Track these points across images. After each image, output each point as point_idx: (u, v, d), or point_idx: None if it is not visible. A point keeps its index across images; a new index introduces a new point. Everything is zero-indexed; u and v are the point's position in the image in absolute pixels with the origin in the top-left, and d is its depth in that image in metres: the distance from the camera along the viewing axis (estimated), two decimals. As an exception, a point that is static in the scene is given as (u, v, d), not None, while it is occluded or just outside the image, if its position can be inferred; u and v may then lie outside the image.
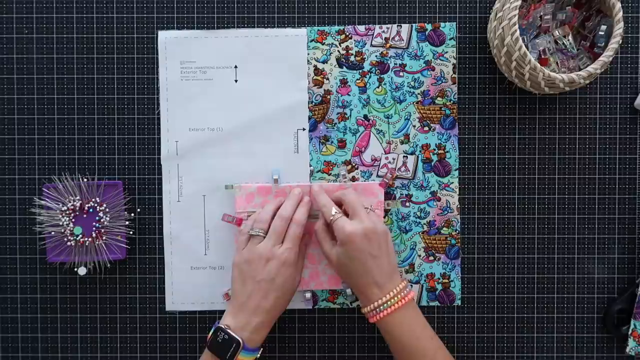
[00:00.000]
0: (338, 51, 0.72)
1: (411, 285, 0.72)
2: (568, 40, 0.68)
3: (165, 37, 0.72)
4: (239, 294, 0.65)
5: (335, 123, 0.72)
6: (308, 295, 0.72)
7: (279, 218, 0.67)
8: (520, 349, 0.73)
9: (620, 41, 0.65)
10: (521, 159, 0.73)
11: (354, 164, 0.72)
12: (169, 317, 0.73)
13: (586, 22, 0.69)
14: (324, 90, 0.72)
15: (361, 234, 0.64)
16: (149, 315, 0.73)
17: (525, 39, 0.68)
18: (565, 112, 0.73)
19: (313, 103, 0.72)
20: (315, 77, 0.72)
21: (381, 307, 0.64)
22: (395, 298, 0.64)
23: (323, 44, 0.72)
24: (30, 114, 0.73)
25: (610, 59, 0.64)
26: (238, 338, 0.63)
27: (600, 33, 0.66)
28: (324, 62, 0.72)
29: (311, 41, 0.72)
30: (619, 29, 0.64)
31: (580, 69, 0.68)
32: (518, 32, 0.63)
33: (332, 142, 0.72)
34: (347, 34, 0.72)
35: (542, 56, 0.68)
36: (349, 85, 0.72)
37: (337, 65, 0.72)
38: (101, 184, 0.71)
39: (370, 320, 0.65)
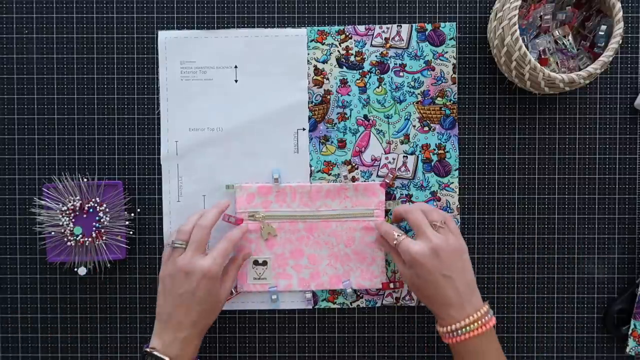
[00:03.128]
0: (338, 51, 0.72)
1: (493, 311, 0.67)
2: (568, 40, 0.68)
3: (165, 37, 0.72)
4: (162, 309, 0.64)
5: (335, 123, 0.72)
6: (308, 295, 0.72)
7: (197, 227, 0.65)
8: (520, 349, 0.73)
9: (620, 41, 0.65)
10: (521, 159, 0.73)
11: (354, 164, 0.72)
12: (169, 317, 0.73)
13: (586, 22, 0.69)
14: (324, 90, 0.72)
15: (428, 253, 0.61)
16: (148, 316, 0.73)
17: (525, 39, 0.68)
18: (565, 112, 0.73)
19: (313, 103, 0.72)
20: (315, 77, 0.72)
21: (459, 332, 0.61)
22: (476, 324, 0.61)
23: (323, 44, 0.72)
24: (30, 114, 0.73)
25: (610, 59, 0.64)
26: (165, 358, 0.61)
27: (600, 33, 0.66)
28: (324, 62, 0.72)
29: (311, 41, 0.72)
30: (619, 29, 0.64)
31: (580, 69, 0.68)
32: (518, 32, 0.63)
33: (332, 142, 0.72)
34: (347, 34, 0.72)
35: (542, 56, 0.68)
36: (349, 85, 0.72)
37: (337, 65, 0.72)
38: (101, 184, 0.71)
39: (444, 340, 0.63)
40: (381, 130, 0.72)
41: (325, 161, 0.72)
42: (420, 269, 0.62)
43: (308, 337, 0.73)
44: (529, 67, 0.64)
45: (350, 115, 0.72)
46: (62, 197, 0.70)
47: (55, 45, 0.72)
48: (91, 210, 0.70)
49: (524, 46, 0.63)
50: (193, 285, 0.63)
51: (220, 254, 0.65)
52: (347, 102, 0.72)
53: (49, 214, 0.70)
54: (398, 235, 0.65)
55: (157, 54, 0.72)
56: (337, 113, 0.72)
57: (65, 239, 0.70)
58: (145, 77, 0.72)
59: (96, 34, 0.72)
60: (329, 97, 0.72)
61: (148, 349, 0.63)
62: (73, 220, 0.70)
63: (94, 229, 0.70)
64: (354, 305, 0.73)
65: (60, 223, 0.70)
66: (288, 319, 0.73)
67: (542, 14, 0.68)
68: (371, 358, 0.73)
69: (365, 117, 0.72)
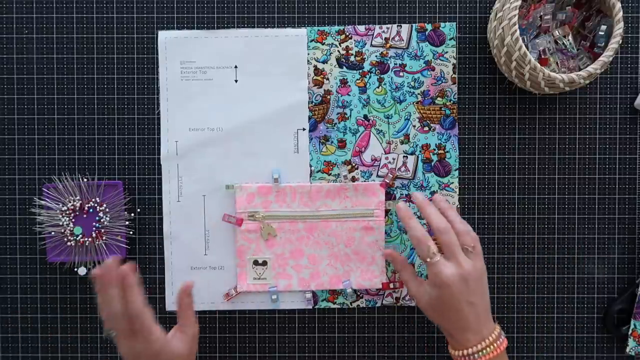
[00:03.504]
0: (338, 51, 0.72)
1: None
2: (568, 40, 0.68)
3: (165, 37, 0.72)
4: None
5: (335, 123, 0.72)
6: (308, 295, 0.72)
7: (115, 318, 0.60)
8: (520, 349, 0.73)
9: (620, 41, 0.65)
10: (521, 159, 0.73)
11: (354, 164, 0.72)
12: (169, 317, 0.73)
13: (586, 22, 0.69)
14: (324, 90, 0.72)
15: (458, 279, 0.60)
16: (149, 315, 0.73)
17: (525, 39, 0.68)
18: (565, 112, 0.73)
19: (313, 103, 0.72)
20: (315, 77, 0.72)
21: (475, 356, 0.60)
22: (491, 347, 0.61)
23: (323, 44, 0.72)
24: (30, 114, 0.73)
25: (610, 59, 0.64)
26: None
27: (600, 33, 0.66)
28: (324, 62, 0.72)
29: (311, 41, 0.72)
30: (619, 29, 0.64)
31: (580, 69, 0.68)
32: (518, 32, 0.63)
33: (332, 142, 0.72)
34: (347, 34, 0.72)
35: (542, 56, 0.68)
36: (349, 85, 0.72)
37: (337, 65, 0.72)
38: (101, 184, 0.71)
39: None
40: (381, 130, 0.72)
41: (325, 161, 0.72)
42: (447, 293, 0.61)
43: (308, 337, 0.73)
44: (529, 67, 0.64)
45: (350, 115, 0.72)
46: (62, 197, 0.70)
47: (55, 45, 0.72)
48: (91, 210, 0.70)
49: (524, 46, 0.63)
50: None
51: (146, 331, 0.60)
52: (347, 102, 0.72)
53: (49, 214, 0.70)
54: (433, 254, 0.62)
55: (157, 54, 0.72)
56: (337, 113, 0.72)
57: (65, 239, 0.70)
58: (145, 77, 0.72)
59: (96, 34, 0.72)
60: (329, 97, 0.72)
61: None
62: (73, 220, 0.70)
63: (94, 229, 0.70)
64: (354, 305, 0.73)
65: (60, 223, 0.70)
66: (288, 319, 0.73)
67: (542, 14, 0.68)
68: (371, 358, 0.73)
69: (365, 117, 0.72)
